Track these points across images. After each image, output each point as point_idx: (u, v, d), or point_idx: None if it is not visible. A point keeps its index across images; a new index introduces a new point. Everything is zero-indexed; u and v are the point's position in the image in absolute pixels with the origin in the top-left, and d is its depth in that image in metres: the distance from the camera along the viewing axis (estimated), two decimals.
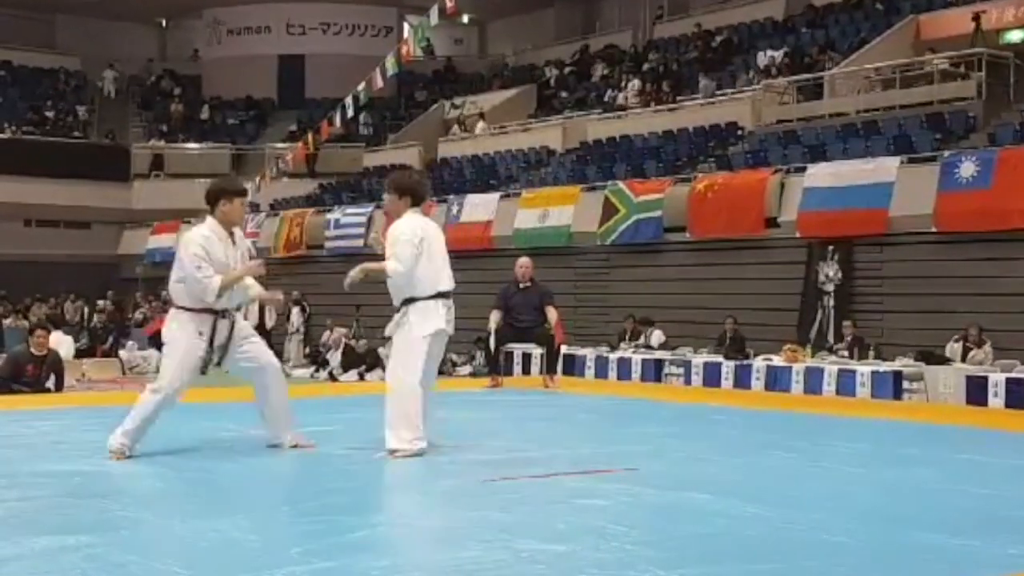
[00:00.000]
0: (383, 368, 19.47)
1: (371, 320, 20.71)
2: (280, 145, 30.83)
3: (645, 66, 28.33)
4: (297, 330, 23.50)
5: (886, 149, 17.67)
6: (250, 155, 32.71)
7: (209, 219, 6.75)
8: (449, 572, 4.04)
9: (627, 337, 17.51)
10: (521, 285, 11.92)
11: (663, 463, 6.85)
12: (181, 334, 6.61)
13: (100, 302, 25.85)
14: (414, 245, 6.79)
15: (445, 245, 7.12)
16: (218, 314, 6.64)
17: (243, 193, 6.95)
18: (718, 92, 24.73)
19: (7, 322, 23.23)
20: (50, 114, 33.77)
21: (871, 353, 14.71)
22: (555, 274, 17.59)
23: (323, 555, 4.23)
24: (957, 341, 14.19)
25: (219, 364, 6.78)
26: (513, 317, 11.87)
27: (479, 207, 21.74)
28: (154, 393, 6.58)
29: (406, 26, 34.36)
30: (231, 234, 6.75)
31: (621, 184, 19.55)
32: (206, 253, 6.53)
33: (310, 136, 24.96)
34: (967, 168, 15.05)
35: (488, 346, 12.48)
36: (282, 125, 34.72)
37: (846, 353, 14.86)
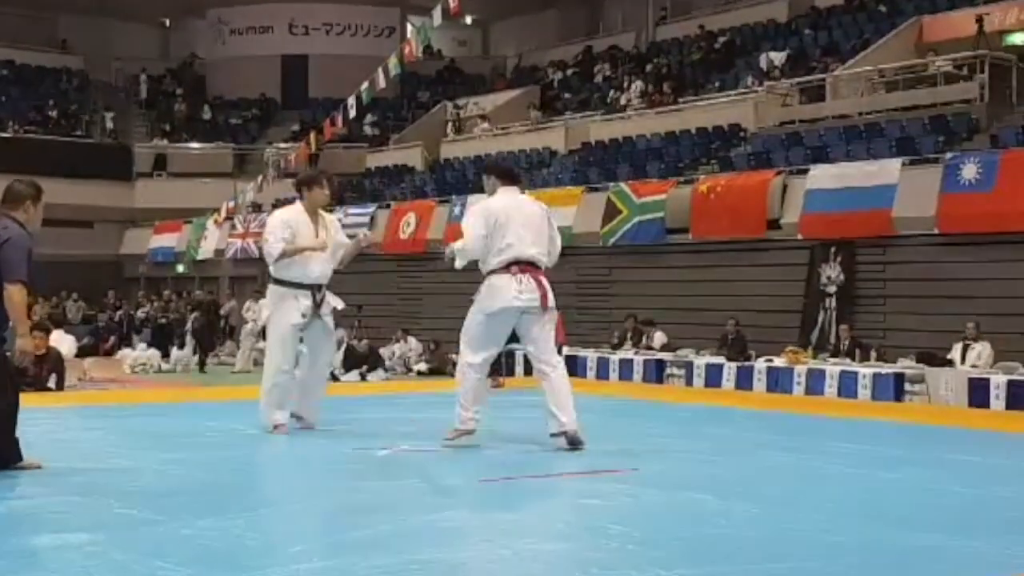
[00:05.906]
0: (384, 368, 19.51)
1: (372, 320, 20.80)
2: (283, 145, 30.80)
3: (648, 67, 28.32)
4: None
5: (889, 151, 17.64)
6: (253, 155, 32.73)
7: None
8: (450, 571, 4.05)
9: (629, 338, 17.52)
10: None
11: (664, 463, 6.86)
12: None
13: (102, 301, 25.86)
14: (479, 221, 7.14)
15: (535, 218, 7.38)
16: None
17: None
18: (720, 94, 24.71)
19: None
20: (53, 113, 33.77)
21: (873, 354, 14.70)
22: (557, 275, 17.40)
23: (323, 553, 4.24)
24: (959, 342, 14.18)
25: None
26: None
27: None
28: None
29: (409, 27, 34.37)
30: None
31: (623, 185, 19.53)
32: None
33: (313, 136, 24.93)
34: (969, 170, 15.03)
35: None
36: (285, 125, 34.71)
37: (846, 360, 14.82)
